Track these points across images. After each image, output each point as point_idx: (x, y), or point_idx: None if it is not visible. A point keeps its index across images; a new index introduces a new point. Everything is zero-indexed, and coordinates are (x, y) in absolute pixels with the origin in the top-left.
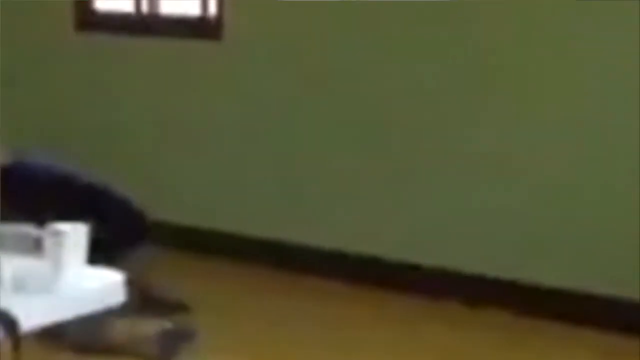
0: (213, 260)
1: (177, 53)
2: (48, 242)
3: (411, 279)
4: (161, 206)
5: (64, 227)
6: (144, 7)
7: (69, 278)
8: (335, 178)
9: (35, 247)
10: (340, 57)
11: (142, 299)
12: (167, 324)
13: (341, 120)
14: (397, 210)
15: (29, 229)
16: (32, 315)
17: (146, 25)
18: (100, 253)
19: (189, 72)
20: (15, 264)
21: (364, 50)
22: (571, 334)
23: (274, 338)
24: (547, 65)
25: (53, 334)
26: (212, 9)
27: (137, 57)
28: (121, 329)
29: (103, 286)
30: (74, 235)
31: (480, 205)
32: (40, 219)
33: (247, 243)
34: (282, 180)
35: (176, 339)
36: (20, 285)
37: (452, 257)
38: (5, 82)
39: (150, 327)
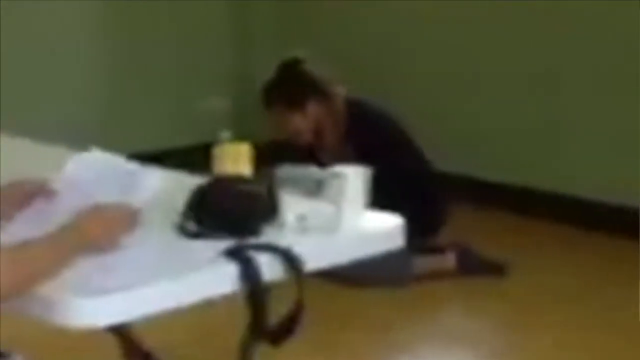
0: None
1: None
2: (330, 184)
3: None
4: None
5: (346, 169)
6: None
7: (349, 220)
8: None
9: (317, 188)
10: None
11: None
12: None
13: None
14: None
15: (311, 170)
16: (313, 256)
17: None
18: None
19: None
20: (297, 205)
21: None
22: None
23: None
24: None
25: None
26: None
27: None
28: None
29: (383, 229)
30: (356, 178)
31: None
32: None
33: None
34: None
35: (477, 262)
36: (301, 226)
37: None
38: None
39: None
